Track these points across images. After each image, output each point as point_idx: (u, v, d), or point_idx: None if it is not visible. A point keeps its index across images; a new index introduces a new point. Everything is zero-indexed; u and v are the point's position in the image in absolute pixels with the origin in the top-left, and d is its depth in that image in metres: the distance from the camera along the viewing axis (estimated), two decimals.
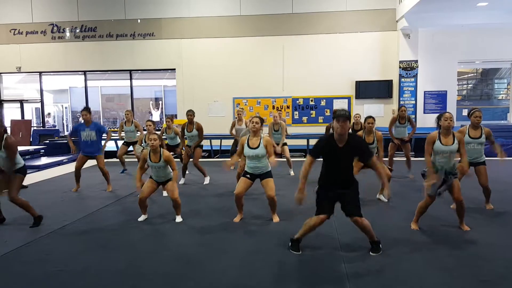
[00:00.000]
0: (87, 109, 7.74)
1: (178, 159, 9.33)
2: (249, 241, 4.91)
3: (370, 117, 6.74)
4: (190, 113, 8.38)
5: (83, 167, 8.01)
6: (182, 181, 8.52)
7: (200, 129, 8.31)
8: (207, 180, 8.56)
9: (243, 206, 5.77)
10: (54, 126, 18.84)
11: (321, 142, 4.25)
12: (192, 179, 8.90)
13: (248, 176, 5.59)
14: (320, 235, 4.87)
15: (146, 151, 5.75)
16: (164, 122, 9.51)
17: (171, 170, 5.75)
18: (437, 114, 5.18)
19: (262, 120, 5.70)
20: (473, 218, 5.64)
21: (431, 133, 5.12)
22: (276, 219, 5.73)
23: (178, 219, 5.78)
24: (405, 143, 8.79)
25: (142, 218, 5.83)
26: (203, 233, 5.25)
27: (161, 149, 5.69)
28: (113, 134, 13.77)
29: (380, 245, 4.43)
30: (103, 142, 8.08)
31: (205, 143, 12.70)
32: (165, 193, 7.06)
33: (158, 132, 7.34)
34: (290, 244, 4.57)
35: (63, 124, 19.34)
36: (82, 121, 7.86)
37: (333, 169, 4.22)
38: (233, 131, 10.15)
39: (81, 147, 7.85)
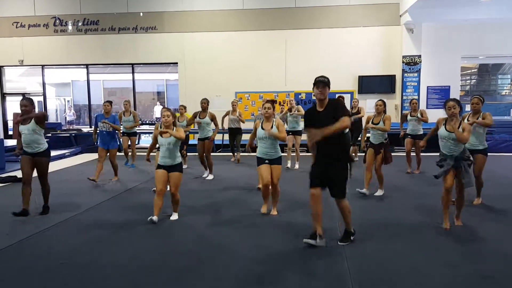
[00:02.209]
0: (109, 101, 8.41)
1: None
2: (251, 235, 4.92)
3: (379, 100, 6.96)
4: (204, 101, 8.51)
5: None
6: (211, 177, 8.48)
7: (214, 117, 8.47)
8: (210, 176, 8.51)
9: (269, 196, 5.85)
10: (77, 121, 18.70)
11: (307, 111, 4.62)
12: (194, 174, 8.91)
13: (267, 161, 5.68)
14: (325, 230, 4.87)
15: (157, 131, 5.68)
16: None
17: (179, 155, 5.64)
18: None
19: (273, 104, 5.83)
20: (476, 214, 5.65)
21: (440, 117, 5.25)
22: (274, 212, 5.74)
23: (174, 216, 5.61)
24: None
25: (154, 219, 5.37)
26: (206, 227, 5.26)
27: (174, 126, 5.61)
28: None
29: (352, 237, 4.57)
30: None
31: None
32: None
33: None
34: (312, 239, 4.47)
35: (65, 118, 19.35)
36: (102, 112, 8.42)
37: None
38: (225, 121, 10.50)
39: (98, 139, 8.31)
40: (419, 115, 8.75)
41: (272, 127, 5.62)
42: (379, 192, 6.76)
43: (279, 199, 5.90)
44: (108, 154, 8.16)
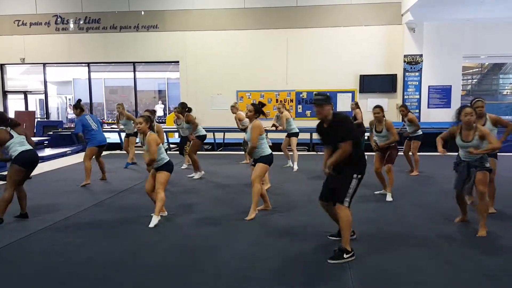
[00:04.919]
0: (74, 105, 7.93)
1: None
2: (251, 234, 4.91)
3: (377, 106, 6.50)
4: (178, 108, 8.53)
5: (95, 160, 8.13)
6: (197, 176, 8.34)
7: (190, 121, 8.34)
8: (197, 175, 8.32)
9: (264, 196, 5.79)
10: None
11: (316, 126, 4.43)
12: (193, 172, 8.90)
13: (253, 164, 5.69)
14: (323, 229, 4.87)
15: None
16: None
17: (161, 157, 5.42)
18: (458, 107, 4.90)
19: (257, 108, 5.65)
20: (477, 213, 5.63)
21: (454, 126, 4.90)
22: (251, 215, 5.47)
23: (153, 221, 5.21)
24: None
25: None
26: (205, 225, 5.26)
27: (152, 131, 5.47)
28: (113, 127, 13.83)
29: (345, 255, 4.00)
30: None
31: (209, 135, 12.71)
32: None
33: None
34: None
35: (66, 116, 19.35)
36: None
37: (326, 150, 4.33)
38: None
39: None
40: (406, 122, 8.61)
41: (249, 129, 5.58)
42: (389, 197, 6.53)
43: (276, 204, 5.87)
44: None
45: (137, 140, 9.37)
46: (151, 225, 5.17)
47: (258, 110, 5.65)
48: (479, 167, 4.77)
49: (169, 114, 16.68)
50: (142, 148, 5.61)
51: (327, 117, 4.15)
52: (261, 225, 5.24)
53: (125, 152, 10.18)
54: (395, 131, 6.48)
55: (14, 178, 5.44)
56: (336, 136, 4.09)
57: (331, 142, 4.19)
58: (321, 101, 4.12)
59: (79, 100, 7.92)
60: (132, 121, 9.60)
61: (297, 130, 9.36)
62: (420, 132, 8.70)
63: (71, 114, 18.95)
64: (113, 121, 15.26)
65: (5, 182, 5.54)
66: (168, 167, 5.49)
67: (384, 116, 6.55)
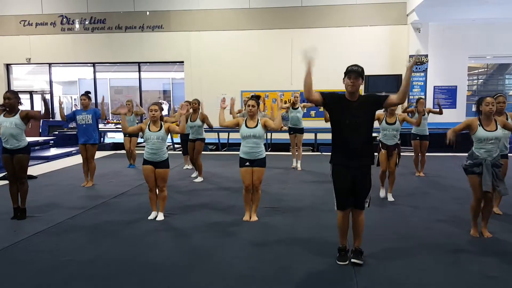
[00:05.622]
0: (86, 94, 7.68)
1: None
2: (252, 235, 4.91)
3: None
4: (195, 101, 8.18)
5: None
6: (199, 179, 8.18)
7: (206, 118, 8.12)
8: (198, 179, 8.17)
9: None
10: None
11: (335, 94, 3.97)
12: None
13: (247, 164, 5.31)
14: (326, 231, 4.86)
15: (145, 122, 5.58)
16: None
17: (165, 150, 5.49)
18: (478, 99, 4.76)
19: (258, 100, 5.55)
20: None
21: (471, 118, 4.74)
22: (254, 217, 5.42)
23: (160, 216, 5.48)
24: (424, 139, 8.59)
25: (152, 215, 5.54)
26: (206, 226, 5.25)
27: (161, 121, 5.50)
28: (118, 127, 13.84)
29: (362, 256, 3.98)
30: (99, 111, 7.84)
31: (213, 136, 12.72)
32: None
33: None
34: (337, 255, 4.07)
35: None
36: (80, 107, 7.88)
37: (348, 132, 3.78)
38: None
39: (78, 136, 7.72)
40: (426, 114, 8.71)
41: (257, 125, 5.31)
42: (390, 197, 6.50)
43: (279, 205, 5.86)
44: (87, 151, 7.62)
45: (139, 139, 9.30)
46: (160, 218, 5.47)
47: (259, 103, 5.55)
48: (499, 166, 4.63)
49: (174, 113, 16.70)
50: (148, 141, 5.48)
51: (356, 92, 3.78)
52: (263, 226, 5.23)
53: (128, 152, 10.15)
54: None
55: (27, 167, 5.60)
56: (373, 104, 3.85)
57: (356, 118, 3.77)
58: (359, 72, 3.72)
59: (89, 92, 7.84)
60: (138, 117, 9.64)
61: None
62: (427, 132, 8.68)
63: None
64: (118, 121, 15.30)
65: (8, 180, 5.59)
66: (168, 162, 5.54)
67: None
